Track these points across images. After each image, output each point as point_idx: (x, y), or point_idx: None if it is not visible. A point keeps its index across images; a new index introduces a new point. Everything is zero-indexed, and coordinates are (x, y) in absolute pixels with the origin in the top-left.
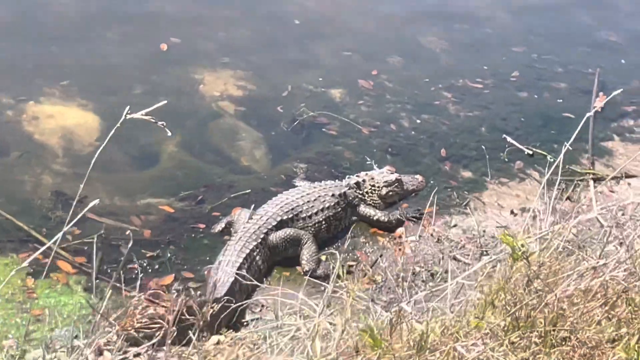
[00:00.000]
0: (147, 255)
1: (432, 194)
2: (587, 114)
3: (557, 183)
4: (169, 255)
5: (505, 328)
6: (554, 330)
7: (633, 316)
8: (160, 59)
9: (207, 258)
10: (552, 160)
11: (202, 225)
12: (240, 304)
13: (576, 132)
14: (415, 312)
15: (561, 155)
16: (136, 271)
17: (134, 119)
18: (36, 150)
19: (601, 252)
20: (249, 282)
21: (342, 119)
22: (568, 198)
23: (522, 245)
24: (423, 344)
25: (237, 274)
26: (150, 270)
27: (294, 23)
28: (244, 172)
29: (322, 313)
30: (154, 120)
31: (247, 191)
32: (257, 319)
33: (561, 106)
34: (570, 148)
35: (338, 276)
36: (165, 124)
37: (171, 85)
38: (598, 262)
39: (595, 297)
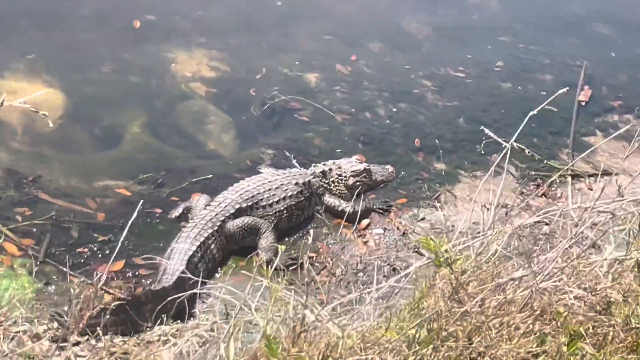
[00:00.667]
0: (99, 239)
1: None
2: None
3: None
4: (121, 240)
5: (419, 340)
6: (470, 344)
7: (559, 330)
8: (132, 36)
9: (161, 244)
10: (530, 154)
11: (159, 210)
12: (189, 293)
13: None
14: (340, 314)
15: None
16: (85, 255)
17: (101, 97)
18: None
19: (528, 261)
20: (192, 277)
21: (314, 104)
22: (544, 194)
23: (446, 251)
24: (328, 353)
25: (189, 262)
26: (100, 255)
27: (275, 4)
28: (209, 157)
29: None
30: (34, 110)
31: (209, 176)
32: (206, 310)
33: (544, 99)
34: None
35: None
36: (47, 114)
37: (142, 64)
38: (524, 273)
39: (524, 310)
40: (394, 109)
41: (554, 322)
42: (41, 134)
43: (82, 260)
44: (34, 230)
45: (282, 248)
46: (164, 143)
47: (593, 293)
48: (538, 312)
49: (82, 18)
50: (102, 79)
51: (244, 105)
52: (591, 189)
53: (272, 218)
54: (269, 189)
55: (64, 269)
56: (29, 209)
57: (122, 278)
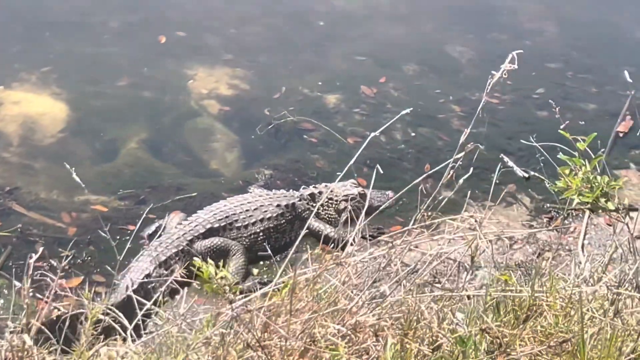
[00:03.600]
0: (61, 254)
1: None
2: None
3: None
4: (84, 255)
5: None
6: None
7: None
8: (157, 51)
9: (126, 262)
10: (549, 186)
11: (132, 227)
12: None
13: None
14: None
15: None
16: (43, 269)
17: (107, 111)
18: None
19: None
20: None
21: (324, 127)
22: (555, 228)
23: (222, 278)
24: None
25: (143, 282)
26: (59, 271)
27: (317, 24)
28: (205, 176)
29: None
30: None
31: (193, 194)
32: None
33: (581, 129)
34: None
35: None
36: None
37: (159, 79)
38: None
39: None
40: (412, 134)
41: None
42: (37, 147)
43: (38, 275)
44: None
45: (254, 272)
46: (161, 160)
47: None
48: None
49: (109, 31)
50: (114, 92)
51: (254, 125)
52: (610, 225)
53: (246, 240)
54: (247, 210)
55: (14, 281)
56: None
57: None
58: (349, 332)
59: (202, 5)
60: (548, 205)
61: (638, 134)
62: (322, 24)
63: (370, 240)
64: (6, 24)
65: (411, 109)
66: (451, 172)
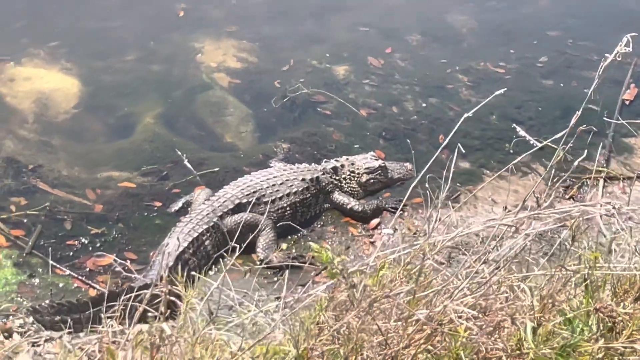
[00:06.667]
0: (92, 231)
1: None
2: None
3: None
4: (114, 233)
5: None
6: None
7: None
8: (160, 24)
9: (156, 239)
10: (562, 155)
11: (158, 203)
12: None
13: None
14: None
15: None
16: (75, 248)
17: (119, 86)
18: (4, 114)
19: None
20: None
21: (337, 99)
22: (571, 197)
23: (339, 263)
24: None
25: (179, 258)
26: (90, 249)
27: None
28: (223, 149)
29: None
30: None
31: (215, 169)
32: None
33: (586, 96)
34: None
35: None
36: None
37: (167, 53)
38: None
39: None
40: (424, 104)
41: (445, 342)
42: (52, 123)
43: (71, 253)
44: (25, 220)
45: (283, 246)
46: (178, 134)
47: (486, 313)
48: (428, 330)
49: (113, 5)
50: (123, 67)
51: (266, 98)
52: (625, 193)
53: (274, 215)
54: (273, 185)
55: (50, 261)
56: (25, 199)
57: (110, 272)
58: (479, 314)
59: None
60: (563, 174)
61: None
62: None
63: (392, 212)
64: None
65: (505, 89)
66: None
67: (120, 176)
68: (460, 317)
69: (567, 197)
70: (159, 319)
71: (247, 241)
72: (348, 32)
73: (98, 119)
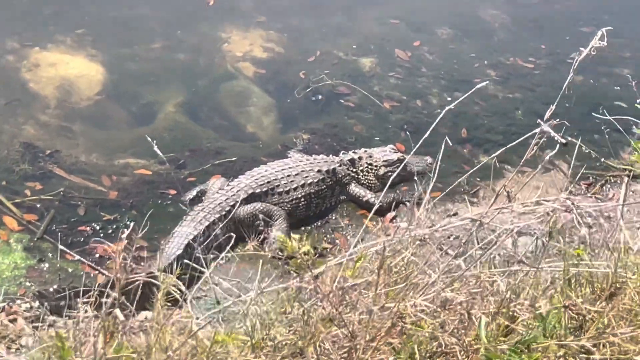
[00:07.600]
0: (104, 218)
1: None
2: None
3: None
4: (127, 219)
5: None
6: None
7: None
8: (189, 13)
9: (169, 227)
10: (587, 151)
11: (173, 192)
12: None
13: None
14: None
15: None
16: (86, 234)
17: (143, 74)
18: (27, 99)
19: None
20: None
21: (361, 91)
22: (594, 194)
23: (306, 253)
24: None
25: (189, 246)
26: (102, 235)
27: None
28: (241, 139)
29: None
30: None
31: (233, 159)
32: (199, 297)
33: (616, 94)
34: None
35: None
36: None
37: (193, 42)
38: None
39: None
40: (449, 98)
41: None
42: (74, 109)
43: (82, 239)
44: (38, 205)
45: (295, 238)
46: (199, 123)
47: (446, 307)
48: (388, 324)
49: None
50: (149, 55)
51: (290, 88)
52: None
53: (288, 206)
54: (288, 175)
55: (59, 246)
56: (40, 184)
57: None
58: (437, 308)
59: None
60: (586, 171)
61: None
62: None
63: (407, 205)
64: None
65: (487, 82)
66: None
67: (137, 163)
68: (422, 311)
69: (589, 194)
70: (116, 305)
71: (259, 231)
72: (377, 25)
73: (120, 106)
